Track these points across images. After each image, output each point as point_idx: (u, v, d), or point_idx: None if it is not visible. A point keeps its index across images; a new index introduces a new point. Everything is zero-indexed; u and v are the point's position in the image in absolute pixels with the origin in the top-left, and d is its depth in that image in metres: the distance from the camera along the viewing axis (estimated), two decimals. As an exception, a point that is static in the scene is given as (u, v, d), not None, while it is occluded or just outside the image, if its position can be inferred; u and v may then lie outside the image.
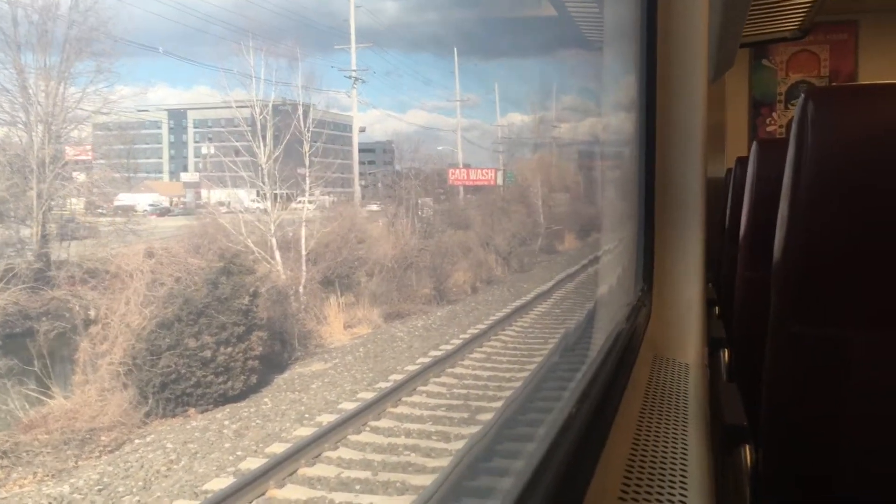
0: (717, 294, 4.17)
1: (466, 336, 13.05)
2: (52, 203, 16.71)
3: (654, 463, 1.48)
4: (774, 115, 9.51)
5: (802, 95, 1.63)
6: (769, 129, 9.46)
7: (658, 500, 1.36)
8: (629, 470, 1.45)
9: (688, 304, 2.46)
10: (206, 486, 7.15)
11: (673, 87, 2.58)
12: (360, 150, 26.70)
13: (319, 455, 7.73)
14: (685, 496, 1.37)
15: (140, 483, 7.60)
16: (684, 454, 1.55)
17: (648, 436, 1.61)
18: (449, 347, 12.24)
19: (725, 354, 2.92)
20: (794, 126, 1.60)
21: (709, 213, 2.66)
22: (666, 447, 1.56)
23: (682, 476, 1.45)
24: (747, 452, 1.84)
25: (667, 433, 1.64)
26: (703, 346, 2.48)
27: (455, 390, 10.04)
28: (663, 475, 1.44)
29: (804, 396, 1.65)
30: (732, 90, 9.12)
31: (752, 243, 2.70)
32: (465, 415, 9.00)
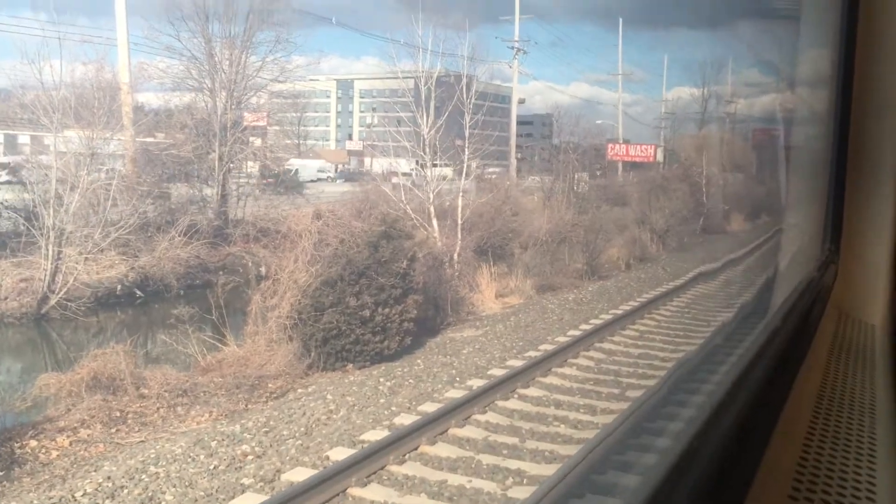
0: None
1: (618, 312, 12.86)
2: (231, 165, 17.98)
3: (840, 425, 1.45)
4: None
5: None
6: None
7: (843, 468, 1.33)
8: (814, 421, 1.42)
9: (876, 264, 2.39)
10: (363, 437, 7.51)
11: (875, 55, 2.47)
12: (519, 123, 26.62)
13: (469, 417, 7.92)
14: (873, 461, 1.33)
15: (302, 429, 8.08)
16: (872, 414, 1.50)
17: (834, 393, 1.57)
18: (599, 322, 12.13)
19: None
20: None
21: None
22: (853, 407, 1.52)
23: (870, 438, 1.40)
24: None
25: (853, 391, 1.59)
26: (891, 307, 2.40)
27: (604, 365, 9.96)
28: (850, 438, 1.41)
29: None
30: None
31: None
32: (616, 390, 8.92)
